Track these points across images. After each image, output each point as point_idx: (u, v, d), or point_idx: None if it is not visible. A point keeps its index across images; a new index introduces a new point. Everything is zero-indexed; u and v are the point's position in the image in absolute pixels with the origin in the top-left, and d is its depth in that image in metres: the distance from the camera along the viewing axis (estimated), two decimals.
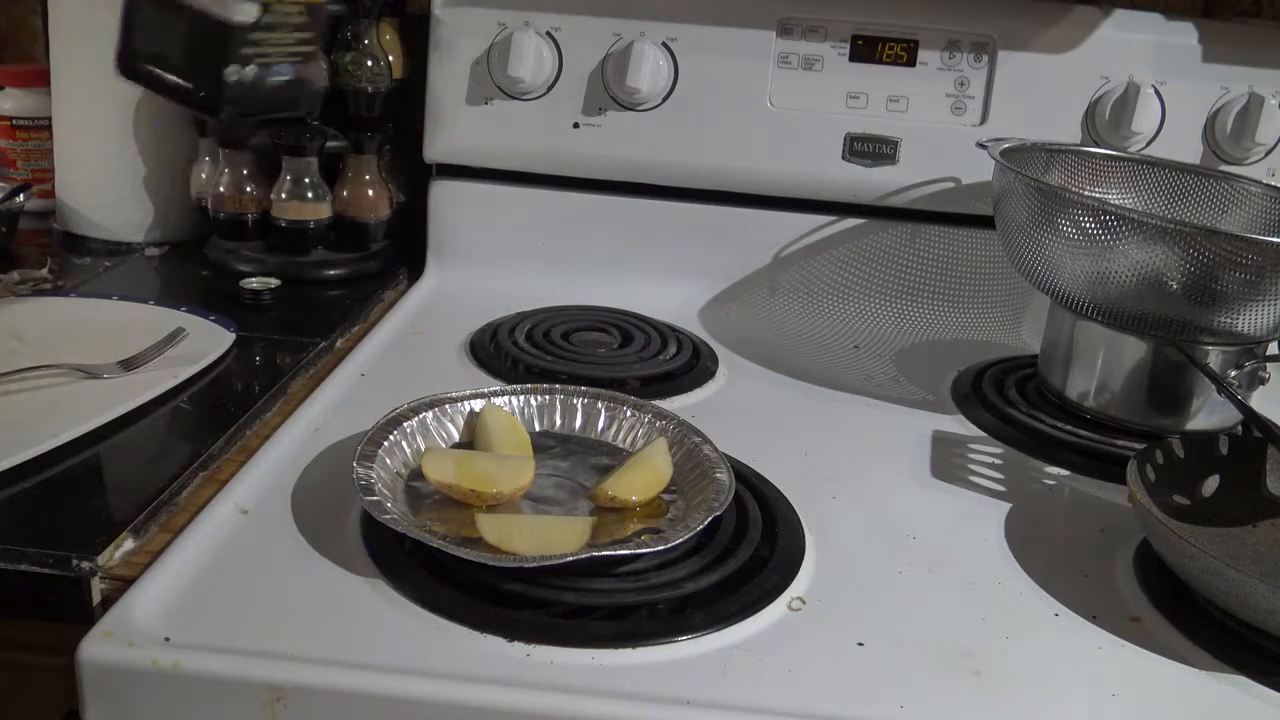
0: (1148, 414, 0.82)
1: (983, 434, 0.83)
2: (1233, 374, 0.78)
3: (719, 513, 0.62)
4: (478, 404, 0.73)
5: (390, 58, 1.05)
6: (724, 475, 0.66)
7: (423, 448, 0.69)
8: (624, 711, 0.50)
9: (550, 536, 0.59)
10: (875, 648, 0.56)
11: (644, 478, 0.66)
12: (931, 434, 0.82)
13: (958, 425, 0.84)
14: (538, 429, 0.74)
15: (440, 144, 1.04)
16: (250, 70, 0.81)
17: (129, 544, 0.60)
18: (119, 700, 0.51)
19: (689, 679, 0.52)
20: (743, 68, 1.00)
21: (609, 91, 1.01)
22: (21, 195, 1.08)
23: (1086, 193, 0.93)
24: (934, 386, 0.91)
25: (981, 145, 0.90)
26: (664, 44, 0.99)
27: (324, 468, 0.69)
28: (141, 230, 1.08)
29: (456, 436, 0.71)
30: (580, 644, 0.54)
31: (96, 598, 0.57)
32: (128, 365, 0.77)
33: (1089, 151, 0.96)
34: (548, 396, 0.74)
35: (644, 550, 0.59)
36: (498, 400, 0.73)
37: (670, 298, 1.03)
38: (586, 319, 0.96)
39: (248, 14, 0.80)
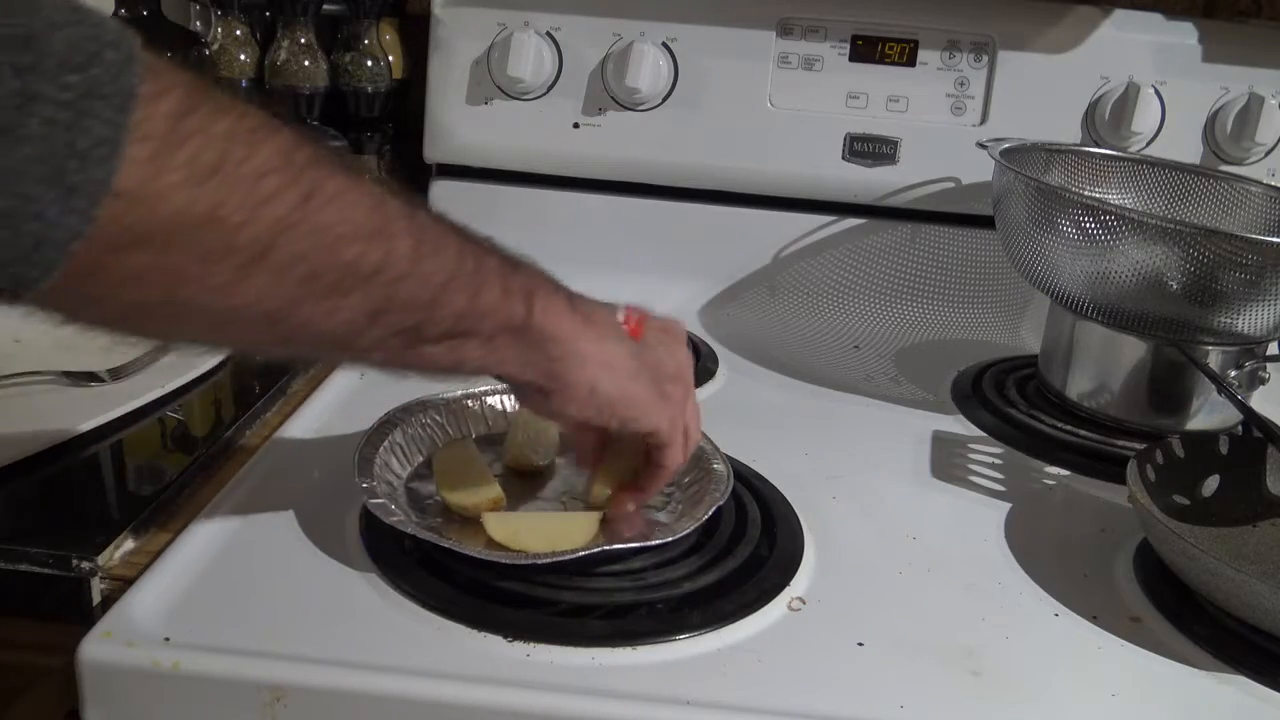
0: (1148, 414, 0.82)
1: (983, 434, 0.83)
2: (1233, 374, 0.78)
3: (721, 502, 0.62)
4: (473, 404, 0.73)
5: (390, 58, 1.05)
6: (721, 466, 0.66)
7: (418, 450, 0.69)
8: (624, 711, 0.50)
9: (559, 533, 0.59)
10: (875, 648, 0.56)
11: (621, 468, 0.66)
12: (931, 434, 0.82)
13: (958, 425, 0.84)
14: None
15: (440, 144, 1.04)
16: None
17: (129, 544, 0.60)
18: (119, 700, 0.51)
19: (688, 679, 0.52)
20: (743, 68, 1.00)
21: (609, 91, 1.01)
22: None
23: (1086, 193, 0.93)
24: (934, 386, 0.91)
25: (981, 145, 0.90)
26: (664, 44, 0.99)
27: (324, 468, 0.69)
28: None
29: (452, 435, 0.71)
30: (580, 643, 0.54)
31: (96, 598, 0.57)
32: (116, 373, 0.76)
33: (1089, 151, 0.96)
34: None
35: (653, 542, 0.59)
36: (490, 400, 0.73)
37: (670, 298, 1.03)
38: None
39: None
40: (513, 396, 0.72)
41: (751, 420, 0.82)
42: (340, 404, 0.78)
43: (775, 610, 0.58)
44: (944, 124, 1.00)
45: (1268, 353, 0.82)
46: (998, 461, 0.79)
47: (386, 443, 0.67)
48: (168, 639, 0.52)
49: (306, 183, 0.41)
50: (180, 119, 0.38)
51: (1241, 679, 0.56)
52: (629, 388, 0.56)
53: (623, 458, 0.66)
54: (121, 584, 0.57)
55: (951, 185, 1.01)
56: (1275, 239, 0.80)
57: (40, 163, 0.34)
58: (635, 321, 0.59)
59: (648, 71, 0.98)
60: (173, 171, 0.37)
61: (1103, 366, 0.83)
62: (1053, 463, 0.79)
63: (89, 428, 0.69)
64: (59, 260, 0.36)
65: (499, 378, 0.56)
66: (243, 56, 1.03)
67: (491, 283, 0.50)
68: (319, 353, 0.51)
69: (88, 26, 0.36)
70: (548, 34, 1.00)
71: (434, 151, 1.04)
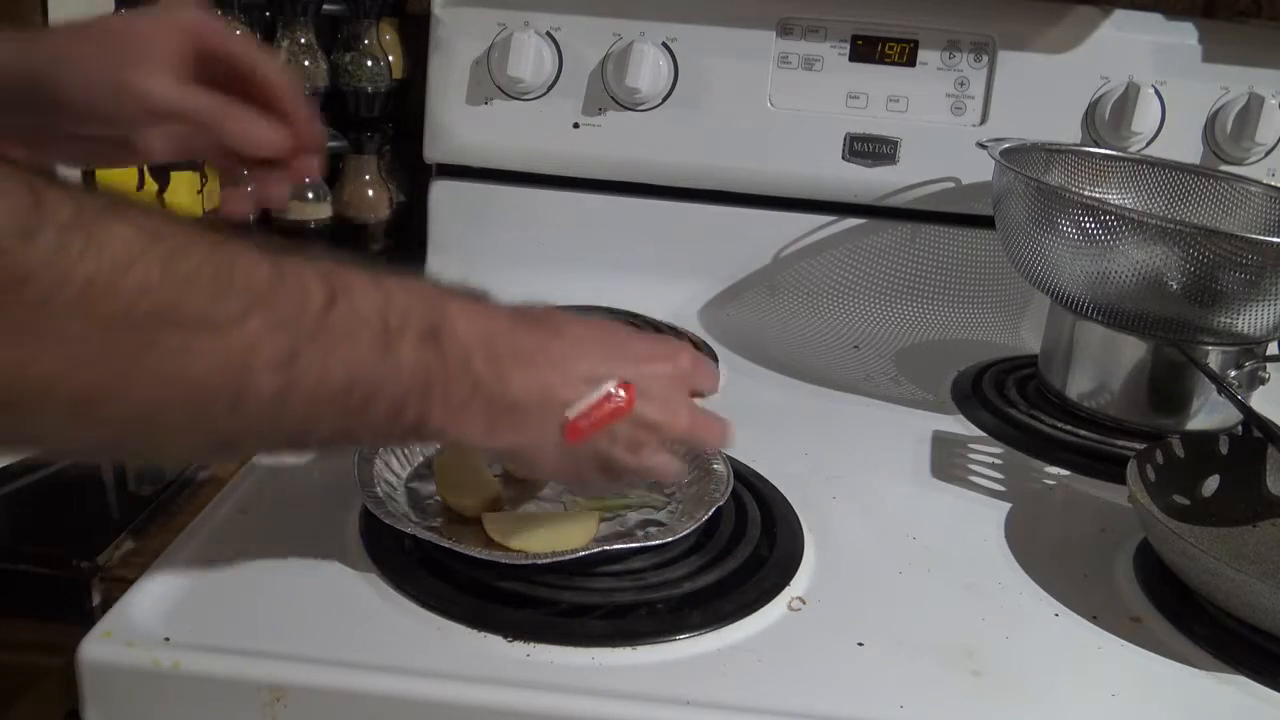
0: (1148, 414, 0.82)
1: (983, 434, 0.83)
2: (1233, 374, 0.78)
3: (721, 503, 0.62)
4: None
5: (390, 58, 1.05)
6: (721, 467, 0.66)
7: (418, 450, 0.69)
8: (624, 711, 0.50)
9: (559, 533, 0.59)
10: (875, 648, 0.56)
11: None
12: (931, 434, 0.82)
13: (958, 425, 0.84)
14: None
15: (440, 144, 1.04)
16: None
17: (129, 544, 0.60)
18: (119, 700, 0.51)
19: (688, 679, 0.52)
20: (743, 68, 1.00)
21: (609, 91, 1.01)
22: None
23: (1086, 193, 0.93)
24: (934, 386, 0.91)
25: (981, 145, 0.89)
26: (664, 44, 0.99)
27: (324, 468, 0.69)
28: None
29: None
30: (580, 643, 0.54)
31: (96, 598, 0.57)
32: None
33: (1089, 151, 0.96)
34: None
35: (652, 543, 0.59)
36: None
37: (670, 298, 1.03)
38: None
39: None
40: None
41: (751, 420, 0.81)
42: None
43: (775, 610, 0.58)
44: (944, 124, 1.00)
45: (1268, 353, 0.82)
46: (998, 461, 0.79)
47: None
48: (168, 639, 0.52)
49: (141, 336, 0.36)
50: None
51: (1241, 679, 0.56)
52: (547, 469, 0.54)
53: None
54: (121, 584, 0.56)
55: (951, 185, 1.01)
56: (1275, 239, 0.80)
57: None
58: (610, 410, 0.51)
59: (648, 71, 0.98)
60: None
61: (1103, 366, 0.83)
62: (1053, 463, 0.79)
63: None
64: None
65: None
66: None
67: (377, 408, 0.45)
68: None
69: None
70: (548, 34, 1.00)
71: (434, 151, 1.04)
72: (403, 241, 1.10)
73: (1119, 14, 0.99)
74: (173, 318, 0.37)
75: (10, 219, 0.33)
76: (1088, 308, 0.81)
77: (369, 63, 1.03)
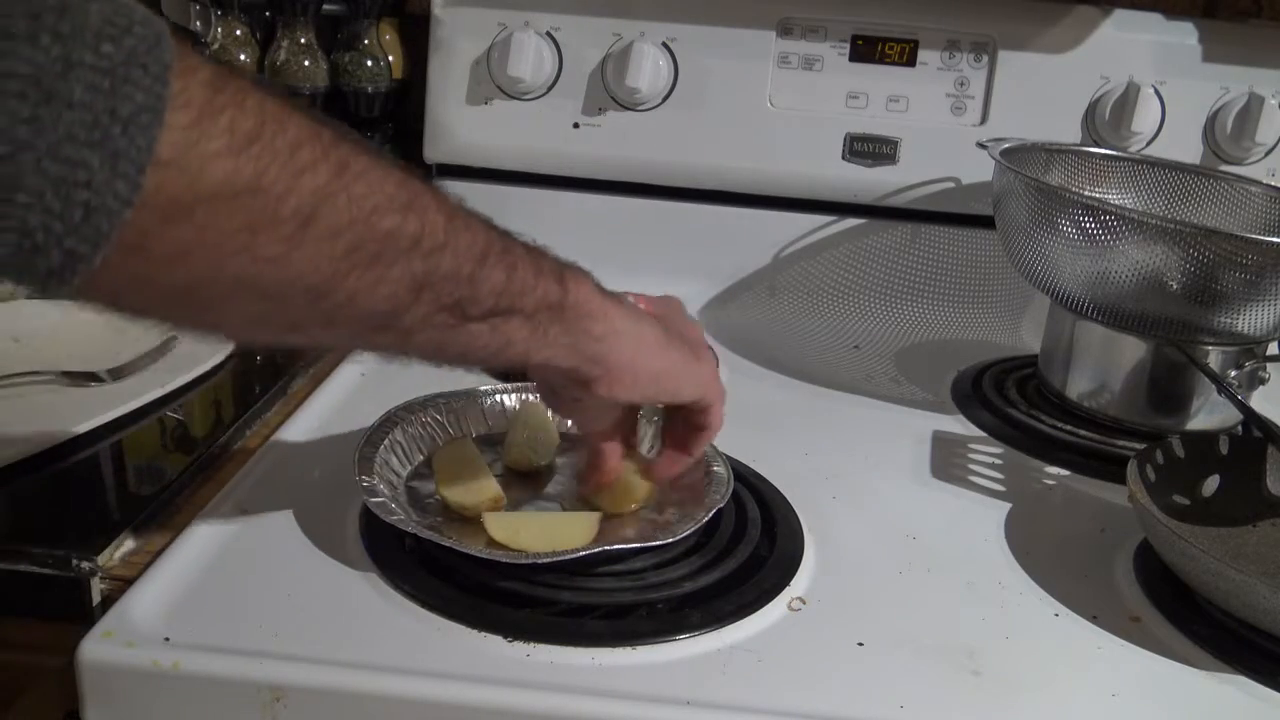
0: (1148, 414, 0.82)
1: (983, 434, 0.83)
2: (1233, 374, 0.78)
3: (721, 504, 0.62)
4: (473, 403, 0.73)
5: (390, 58, 1.05)
6: (721, 468, 0.66)
7: (418, 449, 0.69)
8: (624, 711, 0.50)
9: (559, 533, 0.59)
10: (875, 648, 0.56)
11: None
12: (931, 434, 0.82)
13: (958, 425, 0.84)
14: None
15: (440, 144, 1.04)
16: None
17: (129, 544, 0.60)
18: (119, 700, 0.51)
19: (688, 679, 0.52)
20: (743, 68, 1.00)
21: (609, 91, 1.01)
22: None
23: (1086, 193, 0.93)
24: (934, 386, 0.91)
25: (981, 145, 0.89)
26: (664, 44, 0.99)
27: (324, 468, 0.69)
28: None
29: (452, 434, 0.71)
30: (580, 643, 0.54)
31: (96, 598, 0.57)
32: (116, 373, 0.76)
33: (1089, 151, 0.96)
34: (535, 395, 0.74)
35: (653, 544, 0.59)
36: (490, 400, 0.73)
37: None
38: None
39: None
40: (534, 397, 0.72)
41: (751, 420, 0.81)
42: (340, 403, 0.78)
43: (775, 610, 0.58)
44: (944, 124, 1.00)
45: (1268, 353, 0.82)
46: (998, 461, 0.79)
47: (387, 441, 0.67)
48: (168, 639, 0.52)
49: (337, 156, 0.42)
50: (216, 90, 0.38)
51: (1241, 679, 0.56)
52: (667, 358, 0.57)
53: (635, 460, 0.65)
54: (121, 584, 0.57)
55: (951, 185, 1.01)
56: (1275, 239, 0.80)
57: (86, 129, 0.35)
58: (642, 302, 0.61)
59: (648, 71, 0.98)
60: (214, 139, 0.38)
61: (1103, 366, 0.83)
62: (1053, 463, 0.79)
63: (89, 428, 0.69)
64: (110, 232, 0.36)
65: (539, 374, 0.57)
66: (243, 56, 1.03)
67: (524, 261, 0.50)
68: (363, 336, 0.49)
69: (118, 2, 0.36)
70: (548, 34, 1.00)
71: (434, 151, 1.04)
72: None
73: (1119, 14, 0.99)
74: (353, 161, 0.43)
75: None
76: (1088, 308, 0.81)
77: (369, 63, 1.04)
